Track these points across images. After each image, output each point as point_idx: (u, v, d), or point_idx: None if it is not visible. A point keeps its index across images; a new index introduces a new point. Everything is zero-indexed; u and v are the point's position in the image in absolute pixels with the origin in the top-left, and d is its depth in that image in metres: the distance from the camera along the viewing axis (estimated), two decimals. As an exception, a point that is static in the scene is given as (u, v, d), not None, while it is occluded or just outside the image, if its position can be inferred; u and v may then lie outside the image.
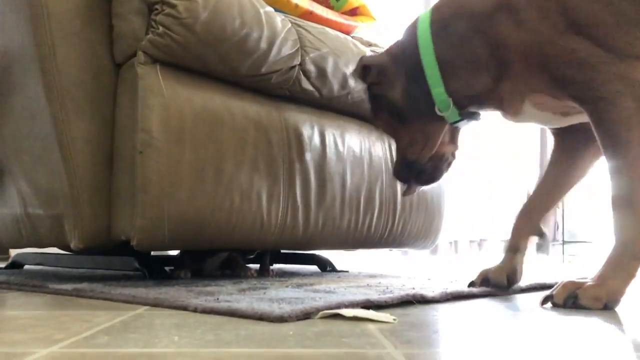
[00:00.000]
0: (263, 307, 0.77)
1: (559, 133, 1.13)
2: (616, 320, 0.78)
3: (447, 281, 1.25)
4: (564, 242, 3.43)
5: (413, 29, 1.09)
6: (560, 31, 0.90)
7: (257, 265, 1.58)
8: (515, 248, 1.15)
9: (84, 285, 1.07)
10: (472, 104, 1.07)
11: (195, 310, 0.80)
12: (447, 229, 3.17)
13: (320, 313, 0.76)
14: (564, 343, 0.60)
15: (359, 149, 1.56)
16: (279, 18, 1.32)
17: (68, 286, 1.06)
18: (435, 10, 1.06)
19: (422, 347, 0.56)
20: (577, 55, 0.89)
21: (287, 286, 1.11)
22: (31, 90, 1.22)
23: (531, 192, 1.20)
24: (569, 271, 2.00)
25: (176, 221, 1.14)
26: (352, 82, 1.48)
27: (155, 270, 1.30)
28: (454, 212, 3.21)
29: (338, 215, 1.48)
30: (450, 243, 3.31)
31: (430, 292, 0.98)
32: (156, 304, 0.86)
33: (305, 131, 1.41)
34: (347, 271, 1.70)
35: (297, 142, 1.38)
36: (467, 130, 1.23)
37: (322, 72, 1.41)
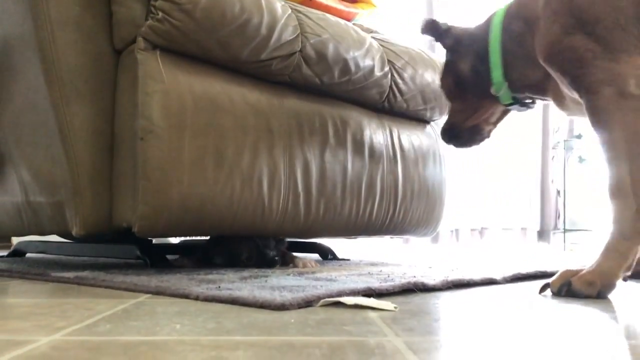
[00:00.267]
0: (264, 295, 0.77)
1: None
2: (611, 310, 0.78)
3: (448, 269, 1.26)
4: (565, 231, 3.44)
5: (490, 17, 1.25)
6: (568, 31, 1.00)
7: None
8: None
9: (85, 273, 1.08)
10: (526, 91, 1.20)
11: (196, 299, 0.80)
12: (448, 217, 3.17)
13: (322, 301, 0.76)
14: (561, 331, 0.60)
15: (360, 136, 1.55)
16: (279, 4, 1.31)
17: (70, 274, 1.07)
18: (508, 6, 1.21)
19: (423, 335, 0.56)
20: (576, 52, 0.98)
21: (288, 274, 1.11)
22: (31, 77, 1.22)
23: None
24: (570, 259, 2.00)
25: (177, 208, 1.14)
26: (353, 68, 1.47)
27: (156, 259, 1.31)
28: (455, 200, 3.21)
29: (339, 203, 1.48)
30: (452, 231, 3.31)
31: (432, 280, 0.98)
32: (158, 292, 0.86)
33: (306, 117, 1.41)
34: (348, 259, 1.70)
35: (298, 129, 1.38)
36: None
37: (322, 58, 1.40)
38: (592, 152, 3.30)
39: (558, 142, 3.55)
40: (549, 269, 1.33)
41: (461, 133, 1.36)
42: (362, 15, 1.79)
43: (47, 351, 0.48)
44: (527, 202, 3.49)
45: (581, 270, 0.91)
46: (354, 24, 1.67)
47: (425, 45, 3.19)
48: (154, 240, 1.51)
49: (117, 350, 0.48)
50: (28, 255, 1.79)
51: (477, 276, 1.08)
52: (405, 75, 1.64)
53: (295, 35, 1.33)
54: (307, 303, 0.75)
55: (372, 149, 1.58)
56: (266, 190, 1.29)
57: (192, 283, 0.92)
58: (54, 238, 1.66)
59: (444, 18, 3.42)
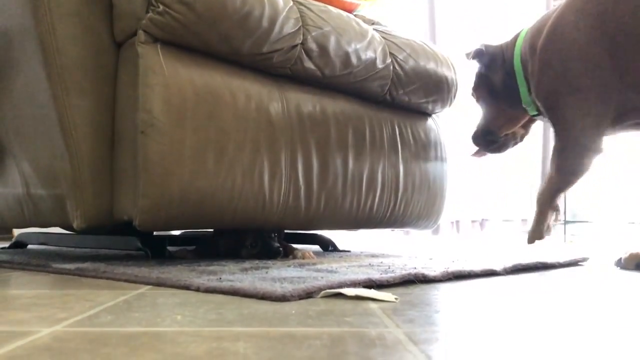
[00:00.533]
0: (265, 286, 0.77)
1: None
2: (613, 299, 0.79)
3: (449, 261, 1.26)
4: (565, 222, 3.44)
5: (515, 38, 1.43)
6: (553, 77, 1.26)
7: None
8: None
9: (87, 265, 1.08)
10: None
11: (197, 290, 0.80)
12: (449, 209, 3.17)
13: (322, 292, 0.76)
14: (561, 321, 0.60)
15: (361, 129, 1.55)
16: (280, -4, 1.30)
17: (71, 266, 1.07)
18: (528, 30, 1.39)
19: (424, 326, 0.56)
20: (556, 94, 1.26)
21: (289, 266, 1.12)
22: (31, 70, 1.21)
23: None
24: (570, 250, 2.00)
25: (178, 201, 1.14)
26: (355, 61, 1.47)
27: (157, 250, 1.31)
28: (456, 192, 3.21)
29: (340, 196, 1.48)
30: (452, 223, 3.32)
31: (432, 271, 0.98)
32: (159, 284, 0.87)
33: (307, 111, 1.40)
34: (349, 251, 1.70)
35: (299, 122, 1.38)
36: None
37: (324, 51, 1.39)
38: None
39: (559, 135, 3.54)
40: (549, 260, 1.33)
41: (497, 139, 1.54)
42: (364, 6, 1.78)
43: (49, 342, 0.48)
44: (528, 194, 3.48)
45: None
46: (355, 15, 1.67)
47: (427, 38, 3.18)
48: (155, 232, 1.51)
49: (119, 341, 0.48)
50: (29, 246, 1.80)
51: (477, 267, 1.08)
52: (407, 67, 1.63)
53: (296, 28, 1.32)
54: (308, 294, 0.75)
55: (373, 142, 1.58)
56: (267, 183, 1.29)
57: (193, 274, 0.93)
58: (55, 230, 1.67)
59: (445, 9, 3.39)
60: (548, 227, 1.37)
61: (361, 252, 1.64)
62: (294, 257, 1.36)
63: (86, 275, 0.99)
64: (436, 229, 3.19)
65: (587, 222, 3.48)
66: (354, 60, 1.47)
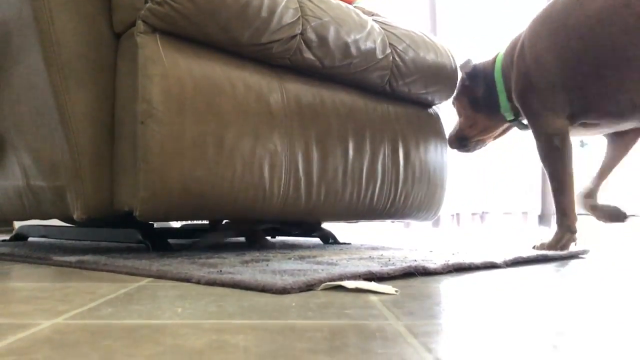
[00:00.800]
0: (266, 278, 0.77)
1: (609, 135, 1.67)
2: (614, 289, 0.79)
3: (449, 253, 1.26)
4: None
5: (494, 57, 1.69)
6: (526, 90, 1.51)
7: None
8: None
9: (87, 258, 1.08)
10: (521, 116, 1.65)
11: (198, 282, 0.80)
12: (449, 202, 3.17)
13: (323, 285, 0.76)
14: (560, 314, 0.60)
15: (362, 120, 1.55)
16: (280, -14, 1.30)
17: (72, 258, 1.07)
18: (507, 47, 1.65)
19: (424, 319, 0.56)
20: (531, 107, 1.52)
21: (289, 258, 1.12)
22: (30, 60, 1.21)
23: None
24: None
25: (178, 192, 1.14)
26: (354, 51, 1.46)
27: (158, 243, 1.31)
28: (456, 184, 3.21)
29: (340, 187, 1.48)
30: (452, 215, 3.32)
31: (432, 264, 0.98)
32: (159, 276, 0.87)
33: (307, 101, 1.40)
34: (349, 243, 1.70)
35: (299, 112, 1.37)
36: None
37: (323, 41, 1.39)
38: (594, 137, 3.29)
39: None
40: (549, 252, 1.33)
41: (468, 143, 1.80)
42: (364, -3, 1.77)
43: (50, 334, 0.48)
44: (528, 186, 3.48)
45: None
46: (355, 6, 1.66)
47: (427, 29, 3.16)
48: (156, 224, 1.51)
49: (119, 333, 0.48)
50: (30, 239, 1.80)
51: (478, 260, 1.08)
52: (407, 58, 1.62)
53: (296, 18, 1.32)
54: (308, 287, 0.75)
55: (373, 133, 1.58)
56: (267, 174, 1.29)
57: (193, 267, 0.93)
58: (55, 222, 1.67)
59: (446, 8, 3.38)
60: (563, 244, 1.49)
61: (361, 245, 1.65)
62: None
63: (87, 267, 0.99)
64: (436, 222, 3.19)
65: (587, 214, 3.48)
66: (353, 50, 1.46)
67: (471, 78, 1.71)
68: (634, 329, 0.54)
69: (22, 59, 1.25)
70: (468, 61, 1.71)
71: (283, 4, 1.28)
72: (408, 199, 1.72)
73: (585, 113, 1.45)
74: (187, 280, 0.82)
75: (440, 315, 0.59)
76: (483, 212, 3.42)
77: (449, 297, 0.73)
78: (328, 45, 1.40)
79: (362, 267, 0.90)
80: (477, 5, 3.40)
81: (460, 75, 1.79)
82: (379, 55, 1.54)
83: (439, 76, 1.73)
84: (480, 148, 1.84)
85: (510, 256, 1.18)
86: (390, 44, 1.58)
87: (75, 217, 1.19)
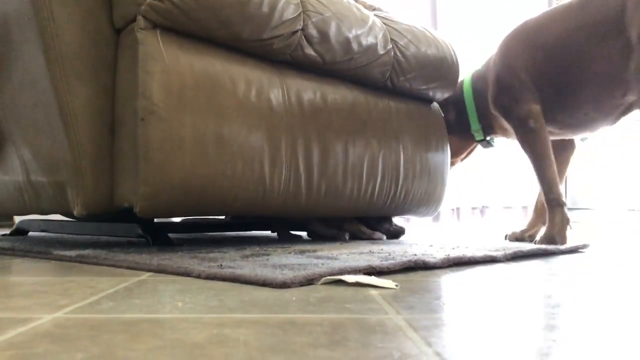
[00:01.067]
0: (266, 273, 0.77)
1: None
2: (612, 285, 0.79)
3: (449, 248, 1.26)
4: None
5: (462, 81, 1.90)
6: (500, 94, 1.70)
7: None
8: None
9: (88, 252, 1.08)
10: (490, 132, 1.91)
11: (198, 277, 0.80)
12: (449, 196, 3.17)
13: (323, 279, 0.76)
14: (559, 308, 0.61)
15: (362, 116, 1.55)
16: (280, -19, 1.29)
17: (72, 253, 1.07)
18: (474, 72, 1.88)
19: (424, 313, 0.57)
20: (504, 106, 1.70)
21: (289, 252, 1.12)
22: (30, 56, 1.21)
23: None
24: (571, 237, 2.00)
25: (178, 188, 1.14)
26: (355, 47, 1.46)
27: (158, 237, 1.31)
28: (456, 179, 3.20)
29: (341, 183, 1.48)
30: (453, 210, 3.32)
31: (432, 258, 0.98)
32: (160, 270, 0.87)
33: (308, 97, 1.40)
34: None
35: (299, 108, 1.37)
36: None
37: (324, 37, 1.38)
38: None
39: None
40: (549, 247, 1.33)
41: None
42: (365, -8, 1.76)
43: (50, 329, 0.48)
44: (528, 181, 3.48)
45: None
46: (356, 1, 1.65)
47: (428, 24, 3.16)
48: (156, 219, 1.51)
49: (119, 327, 0.48)
50: (30, 234, 1.80)
51: (477, 254, 1.08)
52: (409, 54, 1.62)
53: (297, 14, 1.31)
54: (309, 281, 0.75)
55: (374, 129, 1.58)
56: (267, 170, 1.29)
57: (193, 261, 0.93)
58: (55, 217, 1.67)
59: (447, 3, 3.36)
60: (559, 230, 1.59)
61: (362, 239, 1.65)
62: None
63: (87, 262, 1.00)
64: (437, 216, 3.20)
65: (587, 209, 3.48)
66: (354, 46, 1.46)
67: (442, 105, 1.91)
68: (631, 323, 0.54)
69: (22, 54, 1.25)
70: None
71: (283, -1, 1.28)
72: (408, 194, 1.72)
73: (547, 122, 1.67)
74: (188, 274, 0.82)
75: (440, 309, 0.59)
76: (483, 207, 3.42)
77: (449, 291, 0.73)
78: (329, 41, 1.40)
79: (362, 262, 0.90)
80: (477, 0, 3.39)
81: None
82: (381, 51, 1.54)
83: (440, 72, 1.72)
84: (452, 166, 2.04)
85: (510, 250, 1.18)
86: (391, 39, 1.58)
87: (75, 212, 1.19)
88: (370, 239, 1.64)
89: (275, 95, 1.32)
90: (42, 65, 1.16)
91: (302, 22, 1.33)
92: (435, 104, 1.87)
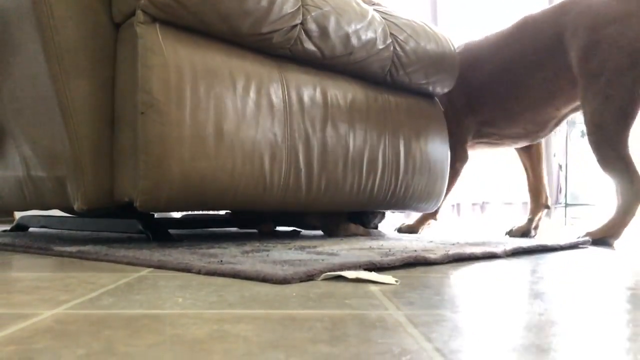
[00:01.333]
0: (266, 269, 0.77)
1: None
2: (611, 282, 0.79)
3: (449, 244, 1.26)
4: (566, 205, 3.44)
5: None
6: (463, 104, 1.93)
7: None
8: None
9: (88, 248, 1.08)
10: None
11: (199, 272, 0.80)
12: (449, 192, 3.15)
13: (323, 275, 0.76)
14: (559, 303, 0.61)
15: (362, 111, 1.54)
16: (280, -24, 1.29)
17: (72, 248, 1.07)
18: None
19: (424, 309, 0.57)
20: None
21: (290, 248, 1.12)
22: (30, 50, 1.20)
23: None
24: (571, 233, 2.00)
25: (178, 183, 1.14)
26: (355, 41, 1.46)
27: (159, 233, 1.31)
28: (456, 174, 3.19)
29: (341, 178, 1.48)
30: (453, 206, 3.32)
31: (432, 254, 0.98)
32: (160, 266, 0.87)
33: (307, 92, 1.40)
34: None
35: (299, 103, 1.37)
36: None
37: (324, 31, 1.38)
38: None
39: (560, 117, 3.54)
40: (550, 243, 1.33)
41: None
42: (364, -13, 1.76)
43: (51, 324, 0.48)
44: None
45: None
46: (355, -4, 1.64)
47: (428, 19, 3.15)
48: (156, 215, 1.51)
49: (120, 323, 0.48)
50: (30, 229, 1.80)
51: (478, 250, 1.08)
52: (408, 48, 1.62)
53: (296, 8, 1.31)
54: (309, 277, 0.75)
55: (374, 124, 1.57)
56: (267, 165, 1.29)
57: (194, 257, 0.93)
58: (56, 212, 1.67)
59: (446, 3, 3.34)
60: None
61: (360, 234, 1.65)
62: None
63: (88, 257, 1.00)
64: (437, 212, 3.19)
65: (588, 204, 3.48)
66: (354, 40, 1.46)
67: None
68: (629, 320, 0.54)
69: (21, 49, 1.24)
70: None
71: (283, -7, 1.27)
72: (409, 189, 1.72)
73: (491, 135, 1.91)
74: (188, 270, 0.82)
75: (440, 305, 0.59)
76: (483, 203, 3.42)
77: (449, 287, 0.73)
78: (328, 36, 1.39)
79: (363, 258, 0.90)
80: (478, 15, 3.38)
81: None
82: (380, 46, 1.53)
83: (440, 66, 1.72)
84: None
85: (510, 246, 1.18)
86: (391, 33, 1.58)
87: (75, 207, 1.19)
88: (366, 235, 1.64)
89: (275, 90, 1.32)
90: (42, 60, 1.16)
91: (301, 16, 1.33)
92: (435, 99, 1.86)
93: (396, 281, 0.74)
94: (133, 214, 1.28)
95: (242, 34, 1.25)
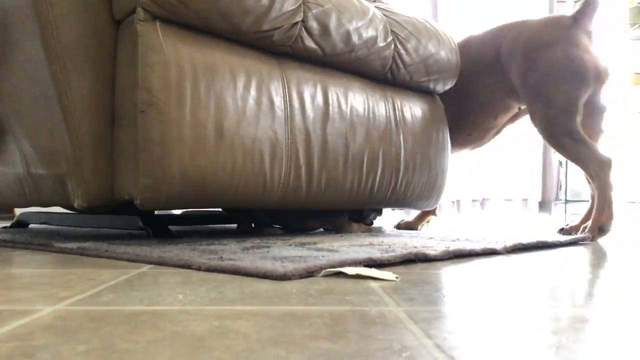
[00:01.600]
0: (266, 265, 0.77)
1: None
2: (607, 279, 0.79)
3: (449, 240, 1.26)
4: (566, 202, 3.44)
5: None
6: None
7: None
8: None
9: (88, 244, 1.08)
10: None
11: (199, 269, 0.80)
12: (449, 189, 3.17)
13: (323, 271, 0.76)
14: (559, 300, 0.61)
15: (363, 108, 1.54)
16: (280, -28, 1.28)
17: (73, 245, 1.07)
18: None
19: (424, 305, 0.57)
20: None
21: (290, 245, 1.12)
22: (30, 48, 1.20)
23: None
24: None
25: (179, 181, 1.14)
26: (356, 39, 1.45)
27: (159, 229, 1.31)
28: (456, 171, 3.20)
29: (341, 176, 1.48)
30: (453, 202, 3.32)
31: (432, 250, 0.98)
32: (160, 263, 0.87)
33: (308, 90, 1.40)
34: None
35: (300, 100, 1.37)
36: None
37: (325, 28, 1.38)
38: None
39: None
40: (550, 239, 1.34)
41: None
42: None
43: (51, 321, 0.48)
44: (529, 173, 3.48)
45: None
46: (356, -8, 1.64)
47: (428, 16, 3.14)
48: (156, 211, 1.51)
49: (120, 319, 0.49)
50: (31, 226, 1.80)
51: (477, 247, 1.08)
52: (409, 46, 1.61)
53: (297, 5, 1.31)
54: (309, 273, 0.75)
55: (374, 121, 1.57)
56: (267, 163, 1.29)
57: (194, 253, 0.93)
58: (56, 209, 1.67)
59: (447, 0, 3.32)
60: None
61: (362, 232, 1.65)
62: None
63: (88, 254, 1.00)
64: (437, 208, 3.20)
65: (588, 201, 3.47)
66: (355, 38, 1.45)
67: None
68: (629, 316, 0.54)
69: (22, 46, 1.24)
70: None
71: (283, -10, 1.27)
72: (409, 187, 1.72)
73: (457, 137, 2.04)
74: (188, 266, 0.82)
75: (440, 301, 0.60)
76: (483, 199, 3.42)
77: (449, 283, 0.73)
78: (329, 33, 1.39)
79: (363, 254, 0.90)
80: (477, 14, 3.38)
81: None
82: (381, 43, 1.53)
83: (440, 64, 1.72)
84: None
85: (510, 243, 1.18)
86: (392, 31, 1.57)
87: (75, 205, 1.19)
88: (366, 232, 1.64)
89: (276, 88, 1.31)
90: (42, 58, 1.16)
91: (302, 14, 1.32)
92: (435, 96, 1.86)
93: (396, 277, 0.74)
94: (133, 210, 1.28)
95: (243, 32, 1.25)
